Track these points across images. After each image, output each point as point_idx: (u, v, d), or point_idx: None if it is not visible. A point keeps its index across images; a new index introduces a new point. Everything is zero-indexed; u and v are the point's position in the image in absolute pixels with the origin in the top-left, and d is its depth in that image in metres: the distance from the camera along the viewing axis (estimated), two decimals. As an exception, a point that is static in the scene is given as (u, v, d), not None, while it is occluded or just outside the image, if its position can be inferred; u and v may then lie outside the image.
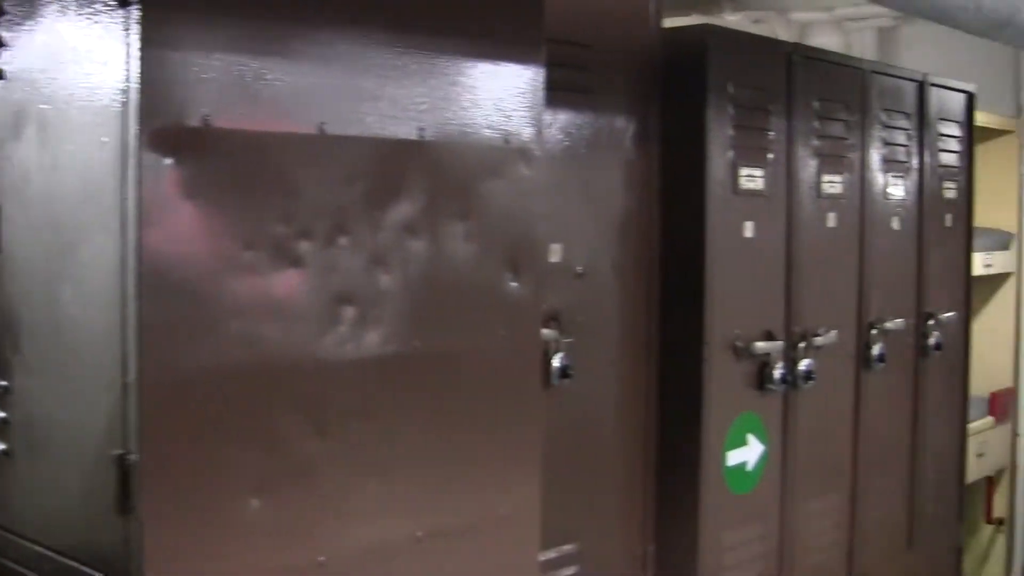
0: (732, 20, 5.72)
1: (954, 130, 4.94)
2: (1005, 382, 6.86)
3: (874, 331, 4.36)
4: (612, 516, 3.54)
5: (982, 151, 6.62)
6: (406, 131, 2.45)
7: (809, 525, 4.20)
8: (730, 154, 3.71)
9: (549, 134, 3.15)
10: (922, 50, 6.39)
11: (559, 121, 3.22)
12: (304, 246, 2.27)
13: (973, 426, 6.31)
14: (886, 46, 6.76)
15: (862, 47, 6.43)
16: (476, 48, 2.61)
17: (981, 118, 6.31)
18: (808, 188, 4.03)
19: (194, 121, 2.08)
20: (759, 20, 6.11)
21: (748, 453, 3.89)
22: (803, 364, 3.97)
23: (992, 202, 6.77)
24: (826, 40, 6.01)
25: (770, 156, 3.87)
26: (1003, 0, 2.42)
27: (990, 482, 6.86)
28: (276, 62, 2.21)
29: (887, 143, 4.46)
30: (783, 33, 6.02)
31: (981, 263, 6.33)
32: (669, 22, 3.68)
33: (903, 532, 4.79)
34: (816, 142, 4.06)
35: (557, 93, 3.07)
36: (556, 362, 3.20)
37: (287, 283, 2.28)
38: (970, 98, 5.04)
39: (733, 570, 3.86)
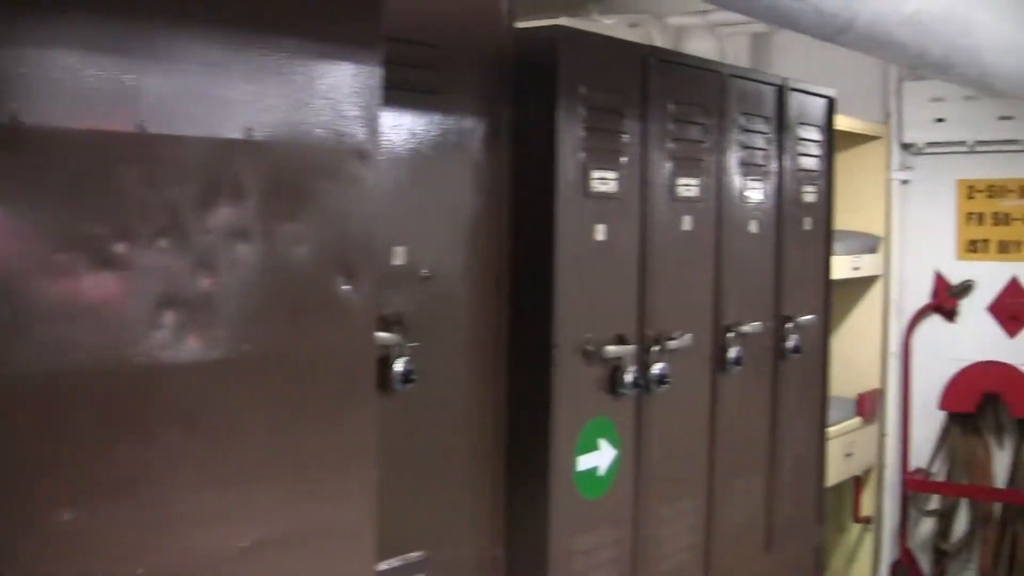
0: (607, 24, 5.74)
1: (815, 135, 4.98)
2: (873, 383, 6.97)
3: (730, 334, 4.37)
4: (461, 522, 3.50)
5: (852, 156, 6.75)
6: (233, 130, 2.38)
7: (664, 529, 4.20)
8: (581, 156, 3.68)
9: (395, 135, 3.11)
10: (794, 56, 6.49)
11: (405, 122, 3.17)
12: (123, 248, 2.17)
13: (841, 427, 6.41)
14: (759, 52, 6.86)
15: (736, 52, 6.51)
16: (308, 46, 2.54)
17: (851, 124, 6.42)
18: (663, 191, 4.03)
19: (1, 118, 1.98)
20: (635, 24, 6.14)
21: (600, 458, 3.87)
22: (656, 368, 3.97)
23: (861, 206, 6.91)
24: (700, 45, 6.07)
25: (623, 159, 3.86)
26: (841, 3, 2.40)
27: (858, 481, 6.97)
28: (93, 57, 2.12)
29: (746, 147, 4.47)
30: (659, 38, 6.05)
31: (849, 266, 6.43)
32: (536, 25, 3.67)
33: (761, 534, 4.82)
34: (671, 145, 4.06)
35: (403, 93, 3.03)
36: (399, 367, 3.13)
37: (105, 286, 2.19)
38: (831, 103, 5.09)
39: (585, 575, 3.84)
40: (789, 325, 4.75)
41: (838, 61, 6.03)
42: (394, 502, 2.88)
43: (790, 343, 4.74)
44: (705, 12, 6.01)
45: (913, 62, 2.99)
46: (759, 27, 6.36)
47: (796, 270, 4.84)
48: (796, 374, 4.88)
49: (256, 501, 2.48)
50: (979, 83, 3.33)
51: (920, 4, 2.64)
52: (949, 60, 2.97)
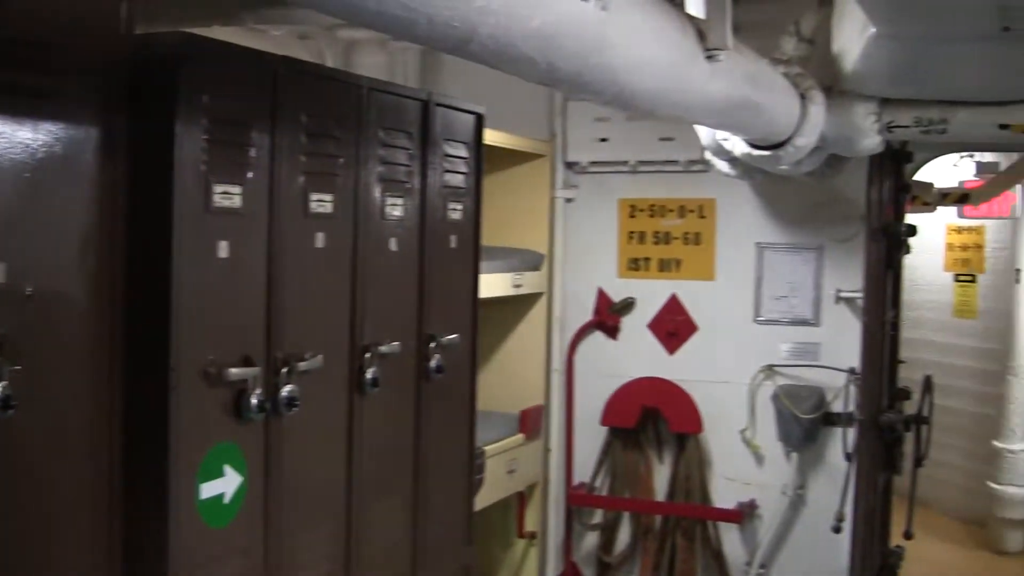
0: (276, 36, 5.53)
1: (462, 151, 4.90)
2: (537, 399, 7.02)
3: (368, 355, 4.23)
4: (73, 559, 3.20)
5: (517, 174, 6.80)
6: None
7: (301, 556, 4.01)
8: (203, 169, 3.45)
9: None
10: (463, 73, 6.40)
11: (7, 129, 2.85)
12: None
13: (503, 443, 6.43)
14: (430, 68, 6.83)
15: (406, 68, 6.43)
16: None
17: (516, 142, 6.45)
18: (294, 206, 3.84)
19: None
20: (305, 36, 5.95)
21: (225, 485, 3.65)
22: (285, 390, 3.78)
23: (526, 224, 6.96)
24: (371, 60, 5.96)
25: (250, 173, 3.64)
26: (458, 14, 2.28)
27: (522, 497, 7.00)
28: None
29: (387, 162, 4.34)
30: (328, 52, 5.89)
31: (511, 283, 6.45)
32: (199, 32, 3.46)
33: (408, 556, 4.70)
34: (304, 159, 3.88)
35: (4, 97, 2.73)
36: (-2, 392, 2.83)
37: None
38: (479, 119, 5.03)
39: (211, 609, 3.62)
40: (432, 345, 4.66)
41: (506, 79, 6.05)
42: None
43: (433, 363, 4.64)
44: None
45: (545, 79, 2.91)
46: (430, 43, 6.30)
47: (441, 289, 4.74)
48: (441, 394, 4.78)
49: None
50: (620, 102, 3.30)
51: (546, 18, 2.55)
52: (583, 77, 2.90)
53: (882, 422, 5.50)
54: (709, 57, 3.44)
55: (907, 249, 5.84)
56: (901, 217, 5.74)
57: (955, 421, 9.60)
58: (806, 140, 4.79)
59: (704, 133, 5.48)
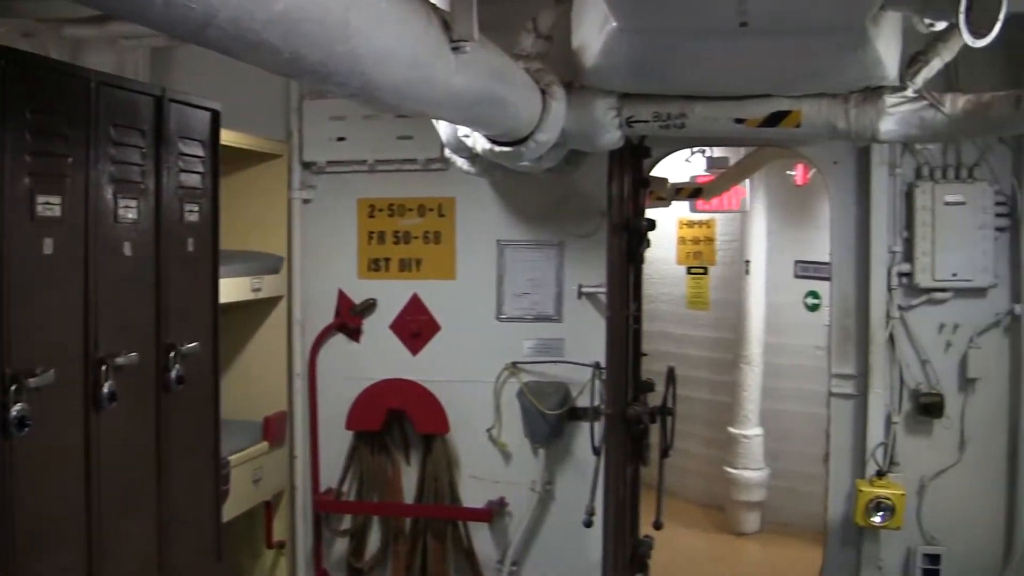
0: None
1: (199, 150, 4.69)
2: (280, 405, 6.84)
3: (104, 367, 3.98)
4: None
5: (254, 175, 6.60)
6: None
7: (36, 586, 3.74)
8: None
9: None
10: (196, 72, 6.22)
11: None
12: None
13: (247, 452, 6.23)
14: (160, 66, 6.56)
15: (136, 69, 6.15)
16: None
17: (252, 141, 6.25)
18: (18, 210, 3.57)
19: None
20: (29, 34, 5.59)
21: (-50, 514, 3.37)
22: (15, 409, 3.51)
23: (263, 226, 6.76)
24: (100, 59, 5.62)
25: (-36, 175, 3.37)
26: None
27: (268, 506, 6.81)
28: None
29: (119, 162, 4.10)
30: (55, 52, 5.53)
31: (250, 287, 6.24)
32: None
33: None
34: (30, 159, 3.61)
35: None
36: None
37: None
38: (216, 116, 4.83)
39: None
40: (172, 354, 4.43)
41: (241, 79, 5.86)
42: None
43: (173, 373, 4.42)
44: (102, 23, 5.57)
45: (288, 69, 2.76)
46: (159, 41, 6.05)
47: (179, 295, 4.53)
48: (183, 405, 4.57)
49: None
50: (365, 94, 3.17)
51: (290, 3, 2.41)
52: (328, 67, 2.77)
53: (629, 415, 5.59)
54: (455, 48, 3.38)
55: (647, 243, 5.95)
56: (641, 212, 5.85)
57: (693, 410, 9.86)
58: (547, 135, 4.80)
59: (444, 130, 5.43)
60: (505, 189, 6.78)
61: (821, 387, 8.10)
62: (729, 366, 10.15)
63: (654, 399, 5.99)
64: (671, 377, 6.07)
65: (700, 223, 10.69)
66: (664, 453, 5.98)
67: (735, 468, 9.95)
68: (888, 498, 6.06)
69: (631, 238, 5.67)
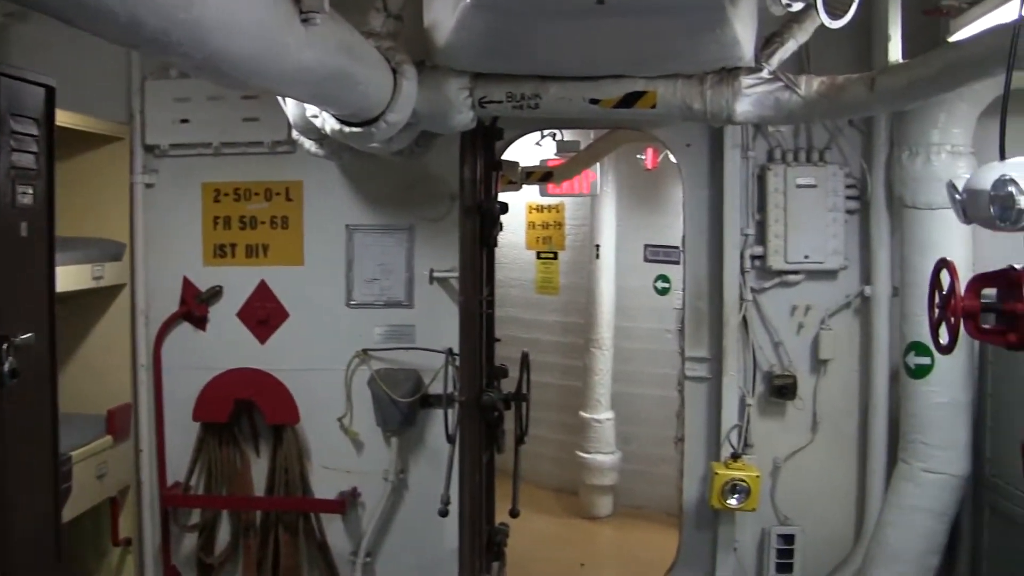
0: None
1: (31, 128, 4.44)
2: (124, 398, 6.60)
3: (-72, 361, 3.74)
4: None
5: (94, 158, 6.34)
6: None
7: None
8: None
9: None
10: (36, 49, 5.97)
11: None
12: None
13: (91, 447, 6.01)
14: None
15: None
16: None
17: (92, 124, 6.00)
18: None
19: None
20: None
21: None
22: None
23: (105, 211, 6.51)
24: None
25: None
26: None
27: (114, 502, 6.56)
28: None
29: (-58, 140, 3.85)
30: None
31: (90, 275, 6.00)
32: None
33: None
34: None
35: None
36: None
37: None
38: (50, 93, 4.57)
39: None
40: (4, 347, 4.19)
41: (81, 57, 5.63)
42: None
43: (6, 367, 4.18)
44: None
45: (127, 36, 2.58)
46: (-2, 18, 5.78)
47: (11, 283, 4.29)
48: (17, 400, 4.32)
49: None
50: (210, 68, 3.00)
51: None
52: (170, 36, 2.60)
53: (483, 402, 5.52)
54: (305, 20, 3.25)
55: (500, 227, 5.88)
56: (494, 195, 5.78)
57: (544, 395, 9.80)
58: (398, 116, 4.69)
59: (292, 110, 5.27)
60: (354, 172, 6.65)
61: (672, 370, 8.41)
62: (580, 351, 10.19)
63: (508, 385, 5.93)
64: (525, 362, 6.02)
65: (549, 207, 10.70)
66: (519, 440, 5.94)
67: (587, 452, 9.99)
68: (743, 480, 6.12)
69: (483, 221, 5.60)
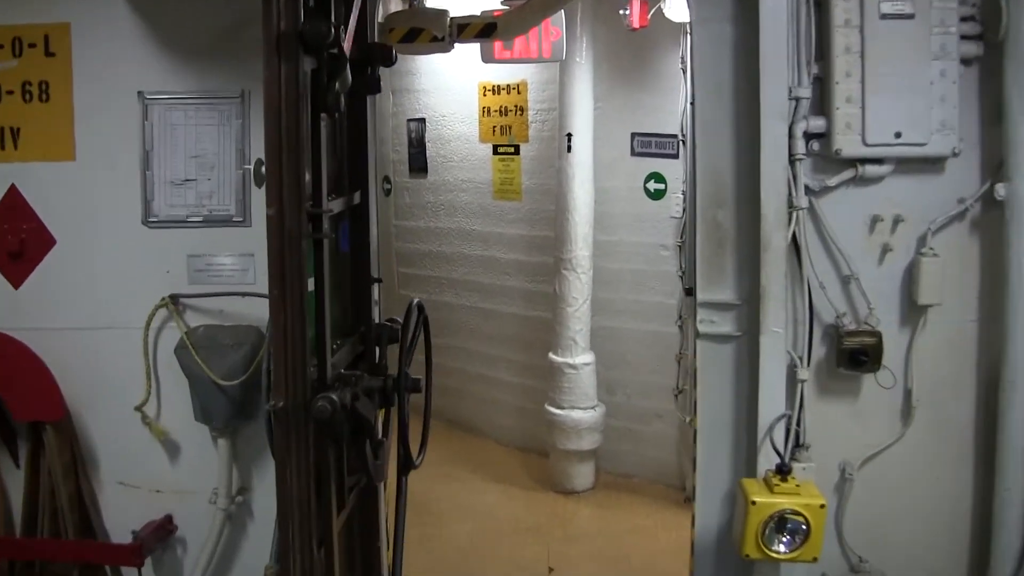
0: None
1: None
2: None
3: None
4: None
5: None
6: None
7: None
8: None
9: None
10: None
11: None
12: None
13: None
14: None
15: None
16: None
17: None
18: None
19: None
20: None
21: None
22: None
23: None
24: None
25: None
26: None
27: None
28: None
29: None
30: None
31: None
32: None
33: None
34: None
35: None
36: None
37: None
38: None
39: None
40: None
41: None
42: None
43: None
44: None
45: None
46: None
47: None
48: None
49: None
50: None
51: None
52: None
53: (316, 412, 2.95)
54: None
55: (374, 87, 3.51)
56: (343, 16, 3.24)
57: (503, 330, 8.56)
58: None
59: None
60: (152, 7, 4.41)
61: (669, 299, 7.15)
62: (549, 272, 8.20)
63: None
64: (418, 321, 3.49)
65: (508, 88, 8.59)
66: (406, 467, 3.44)
67: (560, 408, 7.91)
68: (799, 513, 3.64)
69: (319, 65, 2.99)
